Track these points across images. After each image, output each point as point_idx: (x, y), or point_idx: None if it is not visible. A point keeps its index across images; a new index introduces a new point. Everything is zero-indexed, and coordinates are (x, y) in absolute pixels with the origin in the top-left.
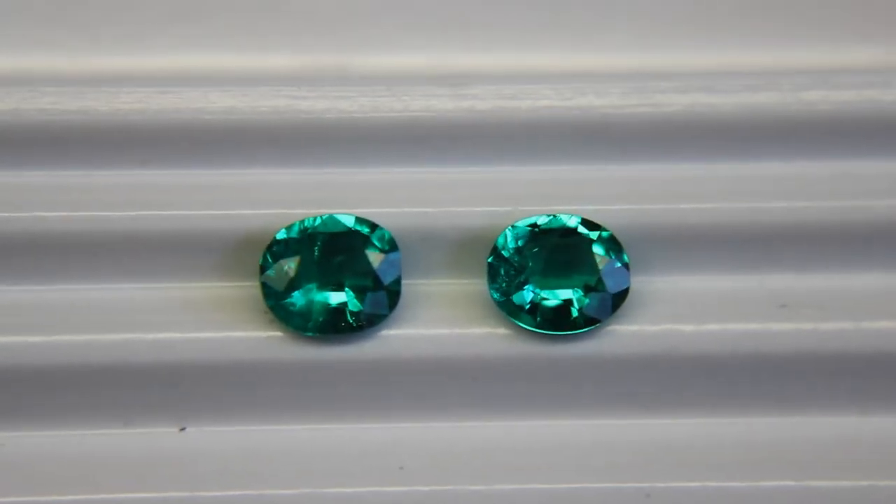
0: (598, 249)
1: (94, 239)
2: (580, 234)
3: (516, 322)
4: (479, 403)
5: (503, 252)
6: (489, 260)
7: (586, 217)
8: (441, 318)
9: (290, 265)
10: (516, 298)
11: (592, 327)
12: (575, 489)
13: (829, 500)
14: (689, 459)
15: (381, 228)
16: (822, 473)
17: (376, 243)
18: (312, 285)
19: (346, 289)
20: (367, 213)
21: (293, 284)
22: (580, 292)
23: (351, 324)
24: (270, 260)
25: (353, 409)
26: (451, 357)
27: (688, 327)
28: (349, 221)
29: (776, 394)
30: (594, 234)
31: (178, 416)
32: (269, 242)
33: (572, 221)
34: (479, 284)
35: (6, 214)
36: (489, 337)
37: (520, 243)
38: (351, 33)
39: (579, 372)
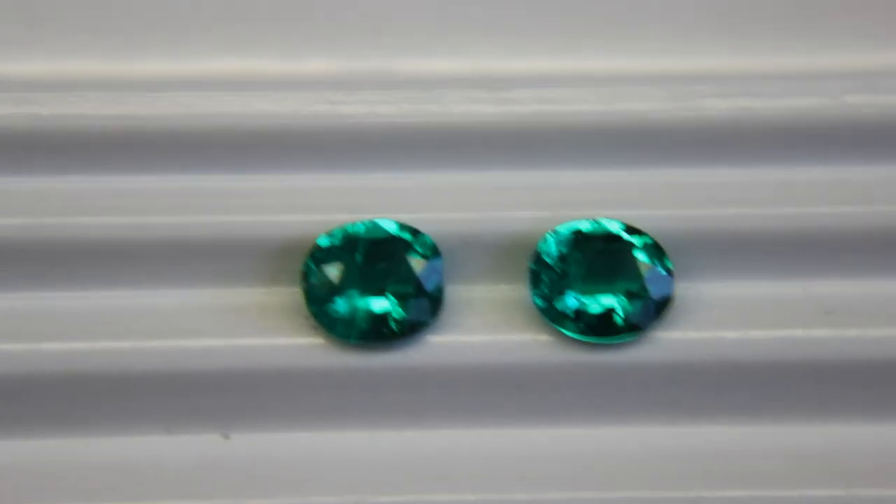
0: (640, 256)
1: (135, 245)
2: (623, 239)
3: (559, 329)
4: (523, 410)
5: (545, 258)
6: (531, 265)
7: (629, 222)
8: (484, 325)
9: (333, 271)
10: (559, 305)
11: (636, 334)
12: (620, 498)
13: None
14: (734, 467)
15: (424, 234)
16: (870, 482)
17: (419, 249)
18: (355, 292)
19: (389, 295)
20: (409, 218)
21: (336, 291)
22: (623, 299)
23: (394, 331)
24: (313, 266)
25: (397, 417)
26: (495, 364)
27: (732, 334)
28: (392, 227)
29: (822, 401)
30: (637, 240)
31: (221, 423)
32: (311, 248)
33: (615, 227)
34: (521, 290)
35: (48, 220)
36: (532, 344)
37: (562, 249)
38: (391, 37)
39: (623, 379)
